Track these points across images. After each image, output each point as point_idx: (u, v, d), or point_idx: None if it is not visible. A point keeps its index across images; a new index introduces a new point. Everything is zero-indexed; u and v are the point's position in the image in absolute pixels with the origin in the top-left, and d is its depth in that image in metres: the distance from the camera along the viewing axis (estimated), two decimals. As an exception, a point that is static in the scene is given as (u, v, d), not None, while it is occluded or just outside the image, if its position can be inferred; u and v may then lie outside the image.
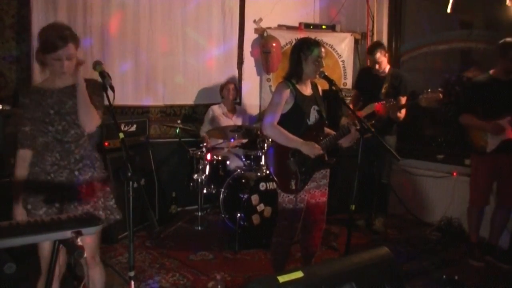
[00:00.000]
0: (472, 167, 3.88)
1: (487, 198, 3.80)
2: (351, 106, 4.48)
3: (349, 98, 5.08)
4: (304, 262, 3.30)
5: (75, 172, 2.36)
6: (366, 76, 4.66)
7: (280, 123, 2.94)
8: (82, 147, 2.39)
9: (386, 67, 4.50)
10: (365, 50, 5.65)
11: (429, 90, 3.75)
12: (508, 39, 3.61)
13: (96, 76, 2.20)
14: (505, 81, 3.62)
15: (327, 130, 3.16)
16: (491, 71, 3.72)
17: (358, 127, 2.88)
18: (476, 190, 3.82)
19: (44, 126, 2.30)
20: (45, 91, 2.33)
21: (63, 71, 2.29)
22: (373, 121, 3.09)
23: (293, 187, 2.95)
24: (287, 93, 2.94)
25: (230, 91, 5.08)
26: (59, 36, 2.25)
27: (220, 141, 4.83)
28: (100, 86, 2.34)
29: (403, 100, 4.35)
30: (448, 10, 4.59)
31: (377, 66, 4.47)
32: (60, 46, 2.24)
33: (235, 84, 5.22)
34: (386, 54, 4.52)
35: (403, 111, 4.28)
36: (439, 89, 3.73)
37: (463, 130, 3.82)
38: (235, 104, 5.29)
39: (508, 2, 4.17)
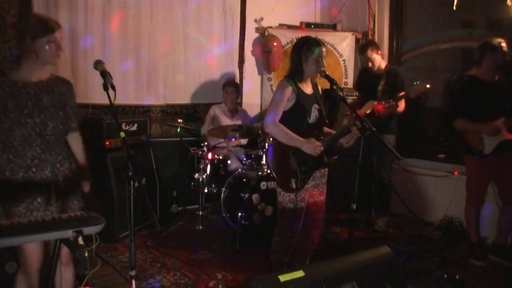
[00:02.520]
0: (467, 169, 3.86)
1: (483, 198, 3.81)
2: (355, 107, 4.48)
3: (350, 97, 5.07)
4: (301, 261, 3.30)
5: (56, 165, 2.36)
6: (364, 75, 4.68)
7: (281, 121, 2.94)
8: (59, 140, 2.41)
9: (382, 64, 4.49)
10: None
11: (418, 82, 3.75)
12: (493, 39, 3.61)
13: (97, 75, 2.19)
14: (490, 83, 3.63)
15: (326, 129, 3.16)
16: (475, 72, 3.72)
17: (358, 126, 2.88)
18: (472, 191, 3.81)
19: (23, 117, 2.24)
20: (17, 82, 2.29)
21: (57, 54, 2.29)
22: (371, 120, 3.08)
23: (294, 186, 2.95)
24: (289, 91, 2.94)
25: (228, 94, 5.04)
26: (52, 21, 2.31)
27: (221, 140, 4.83)
28: (72, 87, 2.48)
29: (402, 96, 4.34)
30: (454, 7, 4.57)
31: (370, 64, 4.46)
32: (57, 28, 2.28)
33: (235, 85, 5.15)
34: (379, 52, 4.51)
35: (402, 104, 4.24)
36: (428, 80, 3.73)
37: (458, 134, 3.80)
38: (236, 104, 5.28)
39: (509, 2, 4.15)
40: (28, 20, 2.33)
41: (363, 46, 4.57)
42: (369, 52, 4.41)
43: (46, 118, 2.31)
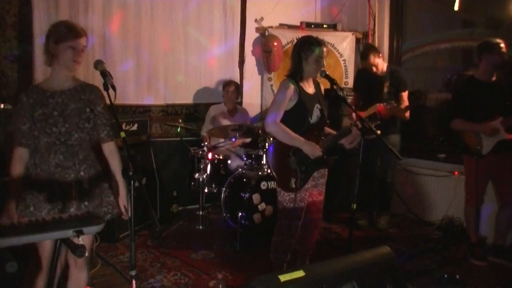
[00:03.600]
0: (466, 169, 3.86)
1: (482, 198, 3.81)
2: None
3: (350, 97, 5.07)
4: (301, 260, 3.30)
5: (80, 173, 2.37)
6: (365, 77, 4.62)
7: (282, 120, 2.94)
8: (86, 149, 2.41)
9: (384, 67, 4.48)
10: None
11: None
12: (491, 39, 3.61)
13: (97, 75, 2.20)
14: (487, 84, 3.64)
15: (327, 130, 3.16)
16: (474, 73, 3.72)
17: (359, 127, 2.88)
18: (471, 191, 3.81)
19: (48, 126, 2.28)
20: (46, 91, 2.32)
21: (78, 60, 2.30)
22: (379, 122, 3.09)
23: (293, 186, 2.96)
24: (291, 90, 2.93)
25: (230, 93, 5.05)
26: (76, 27, 2.33)
27: (221, 140, 4.83)
28: (100, 93, 2.43)
29: (405, 96, 4.35)
30: (456, 8, 4.58)
31: (374, 69, 4.44)
32: (83, 34, 2.31)
33: (236, 85, 5.17)
34: (380, 55, 4.50)
35: (407, 113, 4.28)
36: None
37: (457, 134, 3.81)
38: (236, 104, 5.29)
39: None
40: (56, 24, 2.33)
41: (364, 52, 4.54)
42: (372, 58, 4.40)
43: (71, 127, 2.32)
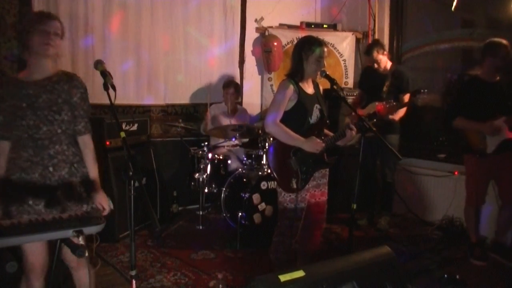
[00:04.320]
0: (467, 168, 3.85)
1: (483, 197, 3.80)
2: (355, 106, 4.48)
3: (350, 97, 5.08)
4: (302, 260, 3.30)
5: (49, 168, 2.28)
6: (369, 75, 4.63)
7: (282, 120, 2.94)
8: (57, 143, 2.31)
9: (387, 65, 4.47)
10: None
11: (425, 90, 3.76)
12: (495, 39, 3.61)
13: (97, 75, 2.19)
14: (490, 83, 3.64)
15: (325, 131, 3.15)
16: (478, 72, 3.71)
17: (354, 130, 2.89)
18: (472, 191, 3.80)
19: (17, 119, 2.21)
20: (21, 82, 2.26)
21: (49, 43, 2.22)
22: (375, 120, 3.08)
23: (294, 186, 2.95)
24: (291, 90, 2.93)
25: (229, 95, 5.04)
26: (46, 12, 2.31)
27: (221, 140, 4.83)
28: (78, 82, 2.37)
29: (406, 98, 4.34)
30: (452, 8, 4.58)
31: (376, 66, 4.44)
32: (49, 17, 2.26)
33: (235, 86, 5.14)
34: (385, 52, 4.49)
35: (400, 111, 4.25)
36: (425, 90, 3.74)
37: (459, 133, 3.80)
38: (236, 104, 5.29)
39: None
40: (25, 15, 2.31)
41: (369, 46, 4.53)
42: (375, 53, 4.39)
43: (39, 120, 2.23)
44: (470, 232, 3.91)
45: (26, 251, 2.25)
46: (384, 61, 4.45)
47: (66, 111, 2.31)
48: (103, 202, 2.41)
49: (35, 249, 2.25)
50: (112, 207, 2.45)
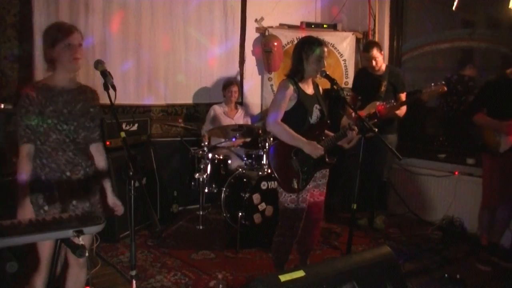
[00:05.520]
0: (484, 167, 3.81)
1: (500, 198, 3.70)
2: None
3: (350, 97, 5.08)
4: (302, 259, 3.31)
5: (87, 169, 2.43)
6: (363, 76, 4.62)
7: (282, 120, 2.94)
8: (88, 148, 2.47)
9: (383, 65, 4.47)
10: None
11: (432, 84, 3.75)
12: None
13: (97, 75, 2.19)
14: None
15: (326, 131, 3.16)
16: (507, 71, 3.66)
17: (355, 130, 2.89)
18: (488, 191, 3.75)
19: (60, 124, 2.30)
20: (53, 88, 2.32)
21: (77, 57, 2.29)
22: (375, 120, 3.09)
23: (295, 186, 2.95)
24: (291, 90, 2.94)
25: (232, 93, 5.07)
26: (66, 25, 2.36)
27: (222, 140, 4.83)
28: (97, 95, 2.50)
29: (403, 96, 4.34)
30: (454, 8, 4.57)
31: (373, 63, 4.38)
32: (74, 29, 2.31)
33: (238, 85, 5.19)
34: (382, 52, 4.49)
35: (403, 108, 4.27)
36: (442, 82, 3.74)
37: (477, 130, 3.77)
38: (237, 103, 5.29)
39: (511, 5, 4.13)
40: (47, 29, 2.33)
41: (369, 44, 4.53)
42: (375, 51, 4.36)
43: (78, 126, 2.36)
44: (482, 235, 3.85)
45: (39, 249, 2.29)
46: (381, 60, 4.44)
47: (93, 119, 2.45)
48: (117, 203, 2.56)
49: (48, 245, 2.26)
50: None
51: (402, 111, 4.29)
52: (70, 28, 2.32)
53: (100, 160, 2.55)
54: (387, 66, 4.51)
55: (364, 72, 4.64)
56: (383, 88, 4.36)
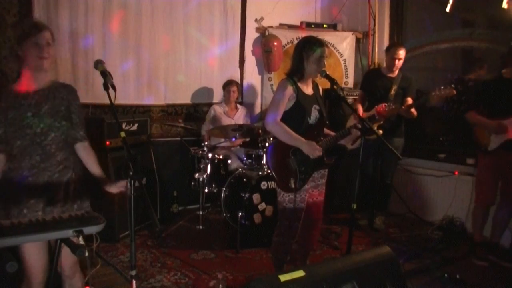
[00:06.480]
0: (477, 165, 3.89)
1: (493, 197, 3.78)
2: (359, 106, 4.47)
3: (350, 97, 5.08)
4: (302, 260, 3.31)
5: (55, 175, 2.31)
6: (374, 77, 4.58)
7: (281, 120, 2.94)
8: (62, 150, 2.34)
9: (397, 69, 4.47)
10: (366, 49, 5.67)
11: (441, 87, 3.75)
12: None
13: (97, 75, 2.19)
14: None
15: (326, 131, 3.16)
16: (503, 71, 3.70)
17: (360, 128, 2.89)
18: (481, 189, 3.82)
19: (22, 129, 2.22)
20: (19, 93, 2.26)
21: (43, 56, 2.21)
22: (382, 122, 3.07)
23: (293, 186, 2.95)
24: (290, 90, 2.94)
25: (231, 93, 5.08)
26: (35, 22, 2.29)
27: (222, 140, 4.83)
28: (74, 92, 2.40)
29: (409, 100, 4.33)
30: (447, 10, 4.58)
31: (396, 62, 4.35)
32: (44, 28, 2.24)
33: (238, 85, 5.21)
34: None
35: (413, 110, 4.26)
36: (452, 85, 3.74)
37: (469, 128, 3.83)
38: (237, 103, 5.29)
39: (505, 4, 4.14)
40: (15, 25, 2.29)
41: (395, 43, 4.60)
42: (403, 51, 4.35)
43: (46, 128, 2.26)
44: (475, 232, 3.91)
45: (25, 253, 2.23)
46: (401, 64, 4.41)
47: (67, 118, 2.35)
48: (122, 183, 2.35)
49: (34, 252, 2.24)
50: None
51: (414, 112, 4.26)
52: (40, 25, 2.25)
53: (89, 162, 2.42)
54: (400, 71, 4.49)
55: (376, 72, 4.63)
56: (392, 92, 4.36)
